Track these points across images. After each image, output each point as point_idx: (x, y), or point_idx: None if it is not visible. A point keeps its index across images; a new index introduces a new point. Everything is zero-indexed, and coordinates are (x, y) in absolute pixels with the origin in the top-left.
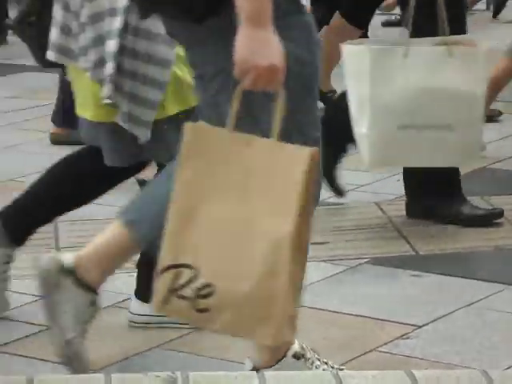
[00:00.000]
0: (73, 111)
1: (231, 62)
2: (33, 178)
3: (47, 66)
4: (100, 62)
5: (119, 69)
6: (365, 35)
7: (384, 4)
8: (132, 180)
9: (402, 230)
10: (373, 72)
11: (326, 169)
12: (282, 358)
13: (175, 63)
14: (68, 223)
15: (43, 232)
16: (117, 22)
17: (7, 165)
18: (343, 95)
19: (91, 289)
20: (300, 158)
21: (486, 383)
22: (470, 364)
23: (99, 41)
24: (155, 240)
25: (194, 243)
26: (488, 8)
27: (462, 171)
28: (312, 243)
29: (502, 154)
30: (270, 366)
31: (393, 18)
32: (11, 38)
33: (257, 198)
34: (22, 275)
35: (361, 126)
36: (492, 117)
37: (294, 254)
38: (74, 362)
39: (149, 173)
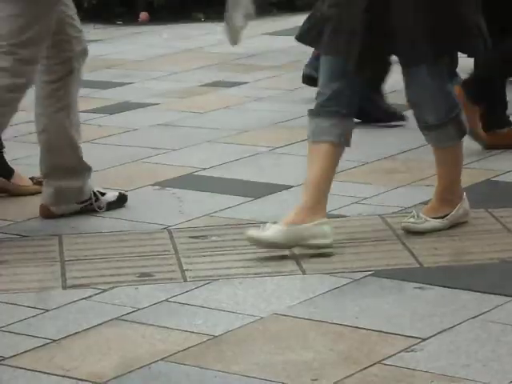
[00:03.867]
0: None
1: None
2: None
3: None
4: None
5: None
6: None
7: None
8: (132, 197)
9: (406, 242)
10: None
11: None
12: None
13: None
14: (73, 236)
15: (48, 245)
16: None
17: None
18: None
19: None
20: None
21: None
22: (475, 377)
23: None
24: None
25: None
26: None
27: (466, 184)
28: (315, 256)
29: (506, 166)
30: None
31: None
32: None
33: None
34: (27, 288)
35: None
36: None
37: None
38: None
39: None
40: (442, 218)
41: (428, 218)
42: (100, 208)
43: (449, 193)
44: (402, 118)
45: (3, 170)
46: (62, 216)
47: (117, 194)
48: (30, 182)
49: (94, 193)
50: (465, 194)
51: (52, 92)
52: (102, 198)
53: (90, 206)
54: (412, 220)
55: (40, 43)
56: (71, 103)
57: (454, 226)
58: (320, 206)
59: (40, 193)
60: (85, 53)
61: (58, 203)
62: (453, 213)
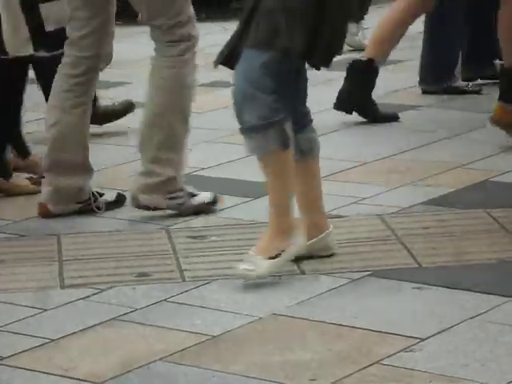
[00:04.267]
0: None
1: None
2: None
3: None
4: None
5: None
6: None
7: None
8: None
9: (404, 242)
10: None
11: None
12: None
13: None
14: (71, 236)
15: (46, 245)
16: None
17: None
18: None
19: None
20: None
21: None
22: (473, 377)
23: None
24: None
25: None
26: None
27: (464, 184)
28: (314, 256)
29: (504, 166)
30: None
31: None
32: None
33: None
34: (25, 288)
35: None
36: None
37: None
38: None
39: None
40: (277, 256)
41: (262, 261)
42: (99, 208)
43: (281, 222)
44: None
45: (2, 171)
46: (59, 216)
47: (115, 194)
48: (27, 182)
49: (93, 193)
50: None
51: (74, 86)
52: (101, 199)
53: (89, 206)
54: (245, 266)
55: None
56: (88, 102)
57: (452, 226)
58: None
59: (37, 193)
60: (109, 57)
61: (56, 202)
62: (288, 247)
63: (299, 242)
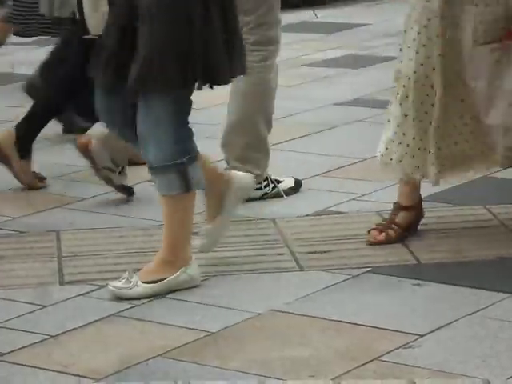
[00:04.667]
0: None
1: None
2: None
3: None
4: None
5: None
6: None
7: None
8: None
9: (404, 239)
10: None
11: None
12: None
13: None
14: (70, 232)
15: (45, 241)
16: None
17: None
18: None
19: None
20: None
21: None
22: (472, 373)
23: None
24: None
25: None
26: None
27: (463, 180)
28: (313, 252)
29: None
30: None
31: None
32: (14, 47)
33: None
34: (24, 284)
35: None
36: None
37: None
38: None
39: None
40: (156, 282)
41: (139, 283)
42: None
43: (171, 254)
44: None
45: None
46: (58, 211)
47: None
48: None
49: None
50: (194, 259)
51: None
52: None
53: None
54: (119, 284)
55: None
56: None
57: (451, 222)
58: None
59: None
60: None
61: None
62: (170, 278)
63: (190, 273)
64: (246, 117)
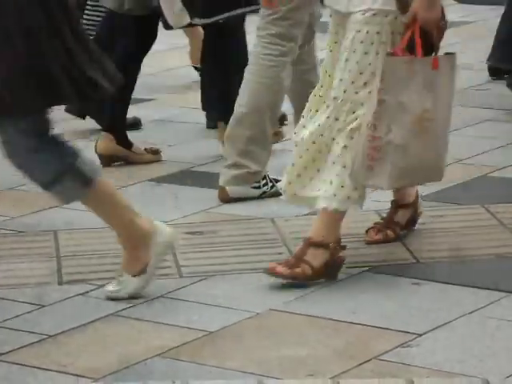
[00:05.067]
0: None
1: None
2: (34, 186)
3: None
4: None
5: None
6: None
7: None
8: (129, 193)
9: (402, 238)
10: None
11: None
12: None
13: None
14: (68, 232)
15: (43, 241)
16: None
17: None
18: None
19: None
20: None
21: None
22: (470, 372)
23: None
24: None
25: None
26: None
27: (462, 179)
28: None
29: (502, 161)
30: None
31: None
32: None
33: None
34: (23, 284)
35: None
36: None
37: None
38: None
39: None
40: (144, 269)
41: (130, 278)
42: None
43: (130, 238)
44: None
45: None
46: (57, 211)
47: None
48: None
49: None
50: (156, 223)
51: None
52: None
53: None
54: (111, 288)
55: None
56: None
57: (450, 221)
58: None
59: (154, 162)
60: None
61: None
62: (150, 260)
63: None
64: (254, 110)
